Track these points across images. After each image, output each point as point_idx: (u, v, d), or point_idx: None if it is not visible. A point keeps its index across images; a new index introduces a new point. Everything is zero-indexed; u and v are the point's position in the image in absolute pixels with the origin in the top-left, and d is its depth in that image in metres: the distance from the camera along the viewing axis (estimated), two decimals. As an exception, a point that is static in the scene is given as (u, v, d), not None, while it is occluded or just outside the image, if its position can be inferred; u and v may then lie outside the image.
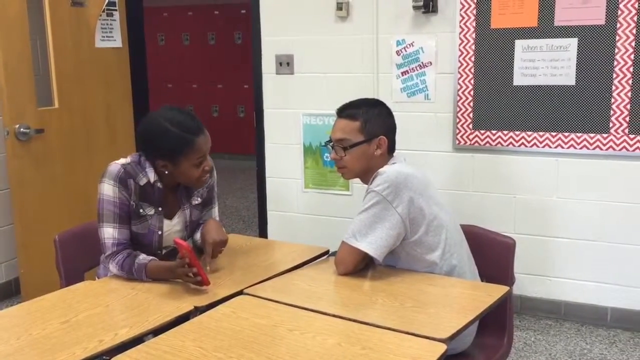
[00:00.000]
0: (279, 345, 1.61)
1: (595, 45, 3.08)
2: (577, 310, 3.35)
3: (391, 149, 2.21)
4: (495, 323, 2.16)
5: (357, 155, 2.15)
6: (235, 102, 8.19)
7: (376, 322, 1.69)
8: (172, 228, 2.19)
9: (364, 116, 2.15)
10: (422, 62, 3.45)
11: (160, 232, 2.15)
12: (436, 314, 1.77)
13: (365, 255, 2.06)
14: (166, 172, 2.10)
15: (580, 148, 3.19)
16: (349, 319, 1.72)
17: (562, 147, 3.22)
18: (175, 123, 2.06)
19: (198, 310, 1.83)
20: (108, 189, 2.07)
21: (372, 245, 2.03)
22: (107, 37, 3.86)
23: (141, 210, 2.11)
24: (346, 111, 2.19)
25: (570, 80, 3.15)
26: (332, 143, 2.21)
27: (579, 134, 3.18)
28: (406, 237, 2.06)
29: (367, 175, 2.15)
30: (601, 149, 3.15)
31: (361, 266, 2.10)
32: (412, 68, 3.48)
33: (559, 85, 3.18)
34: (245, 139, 7.12)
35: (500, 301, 1.89)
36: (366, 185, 2.15)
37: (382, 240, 2.02)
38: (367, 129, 2.14)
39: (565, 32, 3.12)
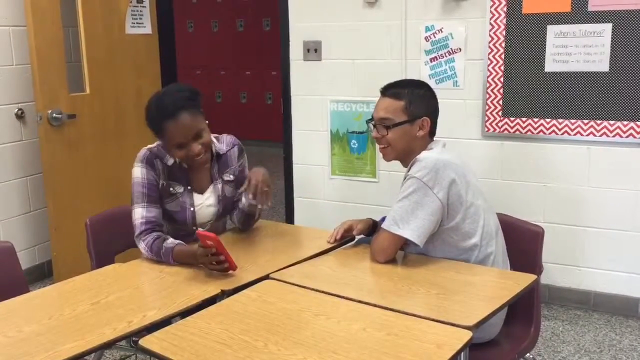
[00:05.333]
0: (305, 330, 1.62)
1: (631, 30, 3.00)
2: (607, 301, 3.30)
3: (432, 132, 2.19)
4: (522, 312, 2.14)
5: (399, 135, 2.13)
6: (263, 88, 8.20)
7: (402, 309, 1.69)
8: (204, 202, 2.23)
9: (408, 96, 2.14)
10: (451, 49, 3.40)
11: (192, 209, 2.19)
12: (462, 301, 1.76)
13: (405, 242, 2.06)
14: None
15: (613, 136, 3.12)
16: (375, 305, 1.73)
17: (595, 135, 3.16)
18: (157, 101, 2.10)
19: (225, 294, 1.85)
20: (137, 172, 2.14)
21: (415, 232, 2.01)
22: (137, 23, 3.90)
23: (171, 189, 2.16)
24: (391, 90, 2.17)
25: (604, 67, 3.08)
26: (373, 121, 2.19)
27: (611, 122, 3.11)
28: (443, 223, 2.05)
29: (408, 157, 2.14)
30: (634, 137, 3.08)
31: None
32: (441, 54, 3.44)
33: (592, 72, 3.11)
34: (273, 126, 7.13)
35: (527, 290, 1.87)
36: (403, 171, 2.14)
37: (423, 227, 2.01)
38: (411, 110, 2.13)
39: (600, 17, 3.05)
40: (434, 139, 2.21)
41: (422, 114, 2.14)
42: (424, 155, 2.08)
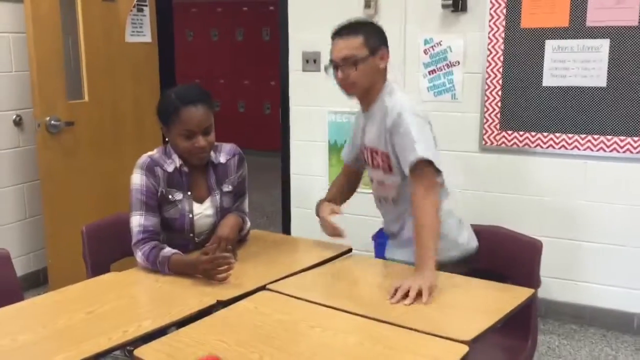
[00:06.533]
0: (300, 342, 1.61)
1: (628, 46, 3.02)
2: (603, 316, 3.30)
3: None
4: (519, 325, 2.13)
5: (366, 71, 2.16)
6: (261, 98, 8.22)
7: (398, 322, 1.69)
8: (203, 212, 2.22)
9: (363, 31, 2.17)
10: (449, 62, 3.42)
11: (191, 216, 2.19)
12: (459, 315, 1.76)
13: None
14: (167, 140, 2.18)
15: (610, 151, 3.13)
16: (371, 318, 1.72)
17: (592, 150, 3.17)
18: (176, 91, 2.15)
19: (221, 304, 1.84)
20: (136, 178, 2.13)
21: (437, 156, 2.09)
22: (137, 32, 3.91)
23: (170, 196, 2.16)
24: (344, 30, 2.20)
25: (602, 82, 3.10)
26: (333, 64, 2.20)
27: (609, 137, 3.12)
28: None
29: (369, 92, 2.21)
30: (631, 152, 3.09)
31: None
32: (440, 67, 3.45)
33: (589, 87, 3.12)
34: (271, 136, 7.12)
35: (525, 304, 1.86)
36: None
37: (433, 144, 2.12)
38: (370, 43, 2.16)
39: (597, 32, 3.07)
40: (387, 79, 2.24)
41: (379, 44, 2.18)
42: (398, 100, 2.15)
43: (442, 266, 2.03)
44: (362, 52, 2.15)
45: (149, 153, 2.19)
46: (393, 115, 2.13)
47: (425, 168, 2.07)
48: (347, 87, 2.21)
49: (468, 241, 2.27)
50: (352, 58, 2.15)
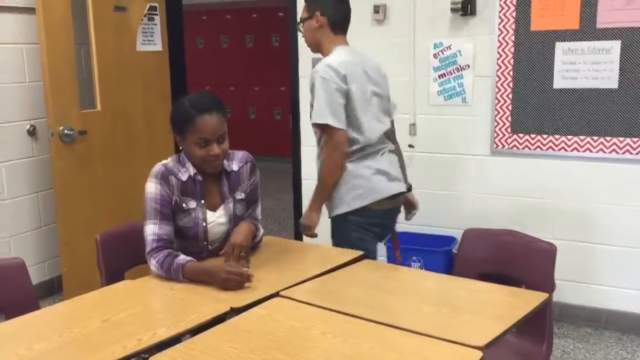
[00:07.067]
0: (313, 348, 1.61)
1: (639, 48, 3.01)
2: (619, 319, 3.27)
3: (336, 29, 2.54)
4: (534, 330, 2.13)
5: (306, 30, 2.58)
6: (271, 104, 8.25)
7: (411, 328, 1.68)
8: (216, 220, 2.23)
9: (306, 1, 2.58)
10: (459, 65, 3.42)
11: (204, 224, 2.20)
12: (472, 320, 1.75)
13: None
14: (181, 149, 2.20)
15: (623, 153, 3.12)
16: (383, 324, 1.72)
17: (604, 152, 3.15)
18: (190, 99, 2.16)
19: (234, 311, 1.85)
20: (151, 187, 2.14)
21: (335, 117, 2.39)
22: (148, 40, 3.94)
23: (184, 205, 2.17)
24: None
25: (613, 84, 3.08)
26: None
27: (621, 139, 3.11)
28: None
29: (319, 49, 2.58)
30: (645, 153, 3.07)
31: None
32: (450, 71, 3.45)
33: (601, 89, 3.11)
34: (282, 141, 7.16)
35: (539, 308, 1.86)
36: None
37: (339, 111, 2.41)
38: (309, 6, 2.55)
39: (608, 34, 3.05)
40: (342, 37, 2.57)
41: (315, 9, 2.51)
42: (322, 61, 2.45)
43: (333, 218, 2.55)
44: (304, 15, 2.58)
45: (164, 162, 2.20)
46: (311, 77, 2.47)
47: (326, 129, 2.43)
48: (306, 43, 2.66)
49: (352, 200, 2.50)
50: (301, 18, 2.61)
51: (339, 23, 2.53)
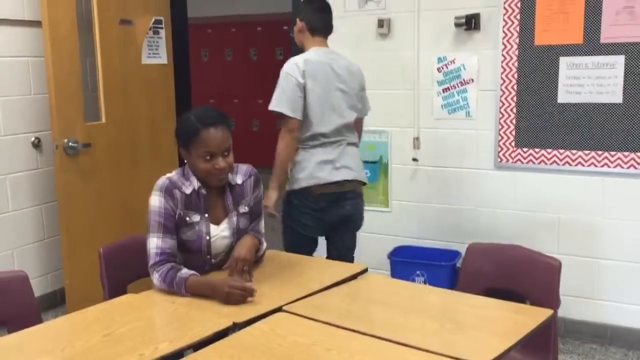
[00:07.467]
0: (317, 365, 1.60)
1: (644, 62, 3.01)
2: (624, 335, 3.24)
3: (315, 32, 2.90)
4: (539, 346, 2.11)
5: (295, 33, 2.97)
6: (275, 117, 8.25)
7: (415, 344, 1.67)
8: (219, 233, 2.23)
9: (298, 11, 2.99)
10: (463, 79, 3.42)
11: (207, 237, 2.19)
12: (476, 337, 1.74)
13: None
14: (185, 162, 2.20)
15: (628, 167, 3.11)
16: (388, 340, 1.71)
17: (609, 167, 3.15)
18: (196, 113, 2.17)
19: (237, 326, 1.84)
20: (155, 200, 2.14)
21: (286, 104, 2.76)
22: (153, 54, 3.96)
23: (188, 219, 2.17)
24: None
25: (617, 98, 3.08)
26: None
27: (626, 153, 3.10)
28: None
29: (303, 50, 2.92)
30: (650, 168, 3.06)
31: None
32: (454, 85, 3.45)
33: (605, 103, 3.11)
34: (285, 154, 7.17)
35: (544, 325, 1.84)
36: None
37: (293, 100, 2.76)
38: (297, 14, 2.96)
39: (612, 49, 3.05)
40: (321, 39, 2.91)
41: (299, 16, 2.93)
42: (295, 57, 2.83)
43: (287, 193, 2.89)
44: (294, 20, 2.98)
45: (168, 175, 2.20)
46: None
47: (282, 116, 2.80)
48: None
49: (297, 181, 2.84)
50: (292, 24, 3.01)
51: (316, 28, 2.91)
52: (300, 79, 2.76)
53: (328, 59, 2.86)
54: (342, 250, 2.96)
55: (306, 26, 2.91)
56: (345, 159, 2.85)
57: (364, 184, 2.99)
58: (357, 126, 3.00)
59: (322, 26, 2.92)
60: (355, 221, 2.97)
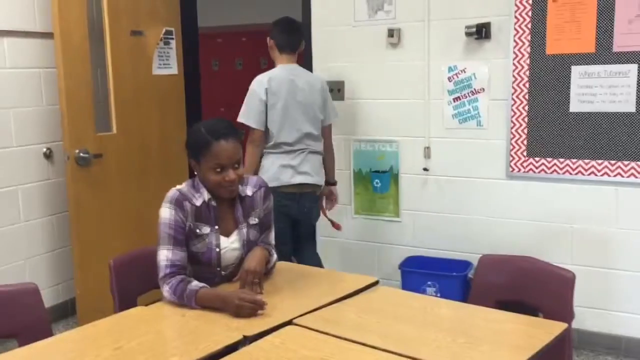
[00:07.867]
0: (328, 380, 1.59)
1: (657, 71, 2.98)
2: (639, 346, 3.20)
3: (282, 50, 3.29)
4: (553, 358, 2.07)
5: (269, 50, 3.35)
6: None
7: (427, 359, 1.65)
8: (229, 245, 2.23)
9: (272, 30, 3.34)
10: (474, 89, 3.41)
11: (218, 249, 2.19)
12: (490, 351, 1.72)
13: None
14: (195, 173, 2.21)
15: (642, 177, 3.07)
16: (400, 354, 1.69)
17: (622, 176, 3.11)
18: (206, 125, 2.18)
19: (247, 340, 1.83)
20: (165, 212, 2.14)
21: (251, 117, 3.15)
22: (164, 64, 3.98)
23: (198, 231, 2.16)
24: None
25: (630, 107, 3.05)
26: None
27: (639, 163, 3.06)
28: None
29: (274, 64, 3.33)
30: (664, 178, 3.03)
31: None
32: (464, 94, 3.44)
33: (618, 112, 3.08)
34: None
35: (558, 339, 1.81)
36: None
37: (256, 112, 3.15)
38: (271, 35, 3.32)
39: (625, 58, 3.03)
40: (287, 56, 3.29)
41: (269, 36, 3.30)
42: (262, 73, 3.22)
43: None
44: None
45: (178, 187, 2.20)
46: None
47: (247, 127, 3.15)
48: None
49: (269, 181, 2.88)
50: None
51: (282, 46, 3.29)
52: (262, 97, 3.14)
53: (292, 75, 3.23)
54: (301, 240, 3.41)
55: (275, 44, 3.30)
56: (306, 166, 3.24)
57: (321, 186, 3.39)
58: (325, 133, 3.37)
59: (286, 44, 3.29)
60: (312, 217, 3.42)
